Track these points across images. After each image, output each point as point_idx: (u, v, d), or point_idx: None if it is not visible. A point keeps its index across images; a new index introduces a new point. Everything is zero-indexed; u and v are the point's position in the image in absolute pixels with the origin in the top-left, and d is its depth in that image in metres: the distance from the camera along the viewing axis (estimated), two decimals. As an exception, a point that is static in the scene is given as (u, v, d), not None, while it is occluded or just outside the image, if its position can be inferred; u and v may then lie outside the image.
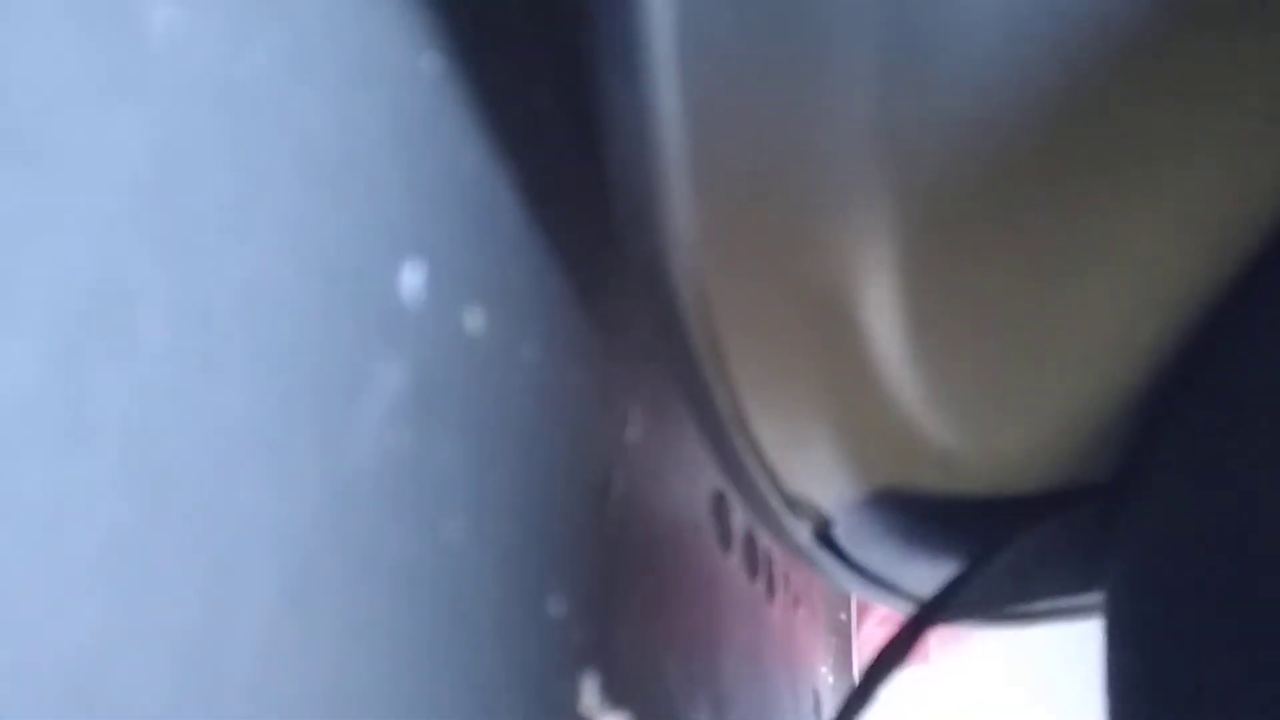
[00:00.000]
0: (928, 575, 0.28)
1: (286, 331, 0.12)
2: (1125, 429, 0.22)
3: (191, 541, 0.10)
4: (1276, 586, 0.17)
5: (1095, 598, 0.28)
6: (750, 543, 0.32)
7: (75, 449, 0.09)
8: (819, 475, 0.24)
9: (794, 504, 0.24)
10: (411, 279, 0.14)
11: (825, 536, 0.26)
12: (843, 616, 0.49)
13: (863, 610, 0.54)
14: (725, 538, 0.29)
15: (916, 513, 0.25)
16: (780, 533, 0.25)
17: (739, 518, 0.30)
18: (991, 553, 0.25)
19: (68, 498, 0.09)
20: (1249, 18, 0.14)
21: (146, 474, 0.10)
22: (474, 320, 0.16)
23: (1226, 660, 0.18)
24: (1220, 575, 0.18)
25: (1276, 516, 0.17)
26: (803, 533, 0.25)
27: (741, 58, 0.14)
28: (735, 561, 0.30)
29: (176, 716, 0.10)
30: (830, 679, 0.44)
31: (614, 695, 0.20)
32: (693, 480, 0.26)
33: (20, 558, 0.08)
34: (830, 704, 0.42)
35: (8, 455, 0.08)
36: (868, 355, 0.19)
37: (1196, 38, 0.14)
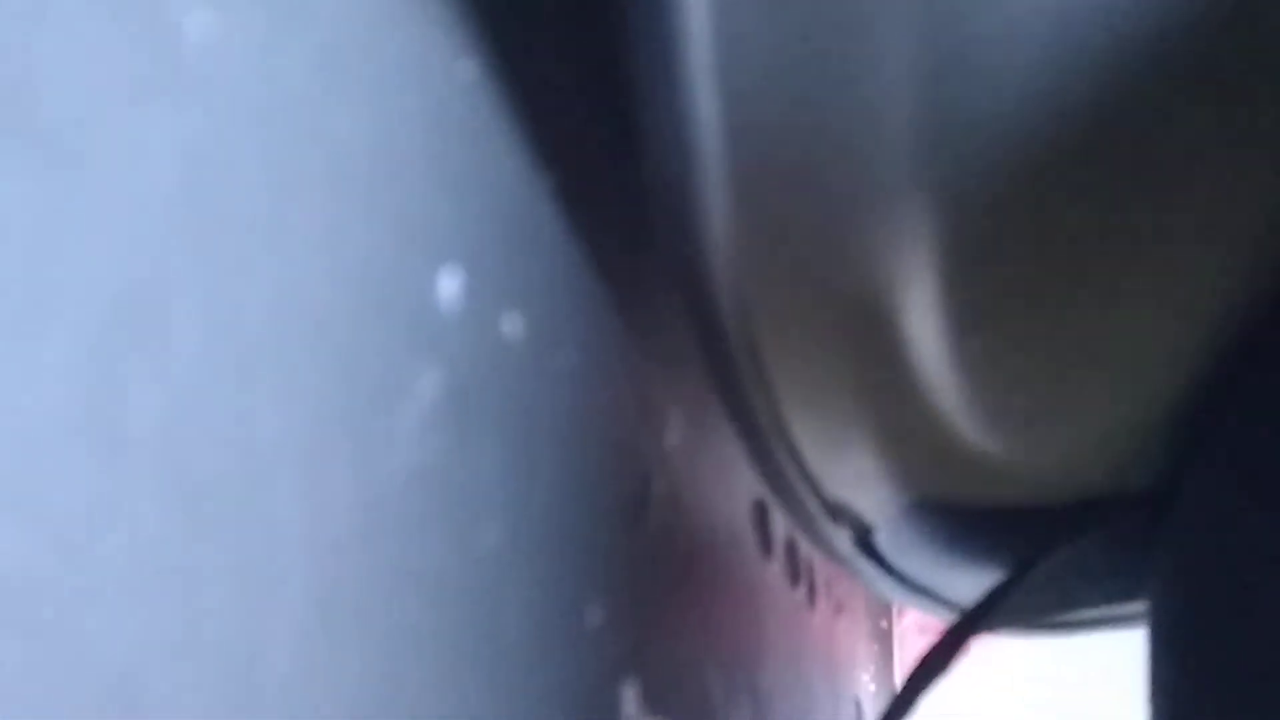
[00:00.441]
0: (970, 583, 0.28)
1: (322, 339, 0.12)
2: (1169, 437, 0.22)
3: (226, 550, 0.10)
4: None
5: (1138, 607, 0.28)
6: (791, 550, 0.32)
7: (109, 457, 0.09)
8: (860, 483, 0.24)
9: (835, 511, 0.24)
10: (448, 285, 0.14)
11: (866, 544, 0.26)
12: (884, 624, 0.49)
13: (904, 618, 0.54)
14: (766, 545, 0.29)
15: (958, 521, 0.25)
16: (821, 540, 0.25)
17: (780, 524, 0.30)
18: (1034, 562, 0.25)
19: (102, 506, 0.09)
20: None
21: (181, 482, 0.10)
22: (511, 326, 0.16)
23: (1271, 672, 0.17)
24: (1264, 586, 0.18)
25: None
26: (844, 540, 0.25)
27: (781, 64, 0.14)
28: (776, 569, 0.30)
29: (210, 727, 0.10)
30: (872, 687, 0.43)
31: (654, 704, 0.20)
32: (733, 486, 0.26)
33: (55, 566, 0.08)
34: (872, 712, 0.42)
35: (43, 463, 0.08)
36: (909, 363, 0.19)
37: (1247, 45, 0.14)
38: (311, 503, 0.11)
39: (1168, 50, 0.14)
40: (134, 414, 0.09)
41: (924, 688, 0.27)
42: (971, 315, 0.18)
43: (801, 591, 0.33)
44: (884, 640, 0.49)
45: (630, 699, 0.19)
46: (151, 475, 0.09)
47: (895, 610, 0.52)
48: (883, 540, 0.26)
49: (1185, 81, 0.14)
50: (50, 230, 0.08)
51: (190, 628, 0.10)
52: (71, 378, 0.09)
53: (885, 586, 0.29)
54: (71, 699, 0.09)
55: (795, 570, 0.32)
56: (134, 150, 0.09)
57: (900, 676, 0.50)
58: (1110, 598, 0.29)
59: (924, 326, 0.18)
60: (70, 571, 0.09)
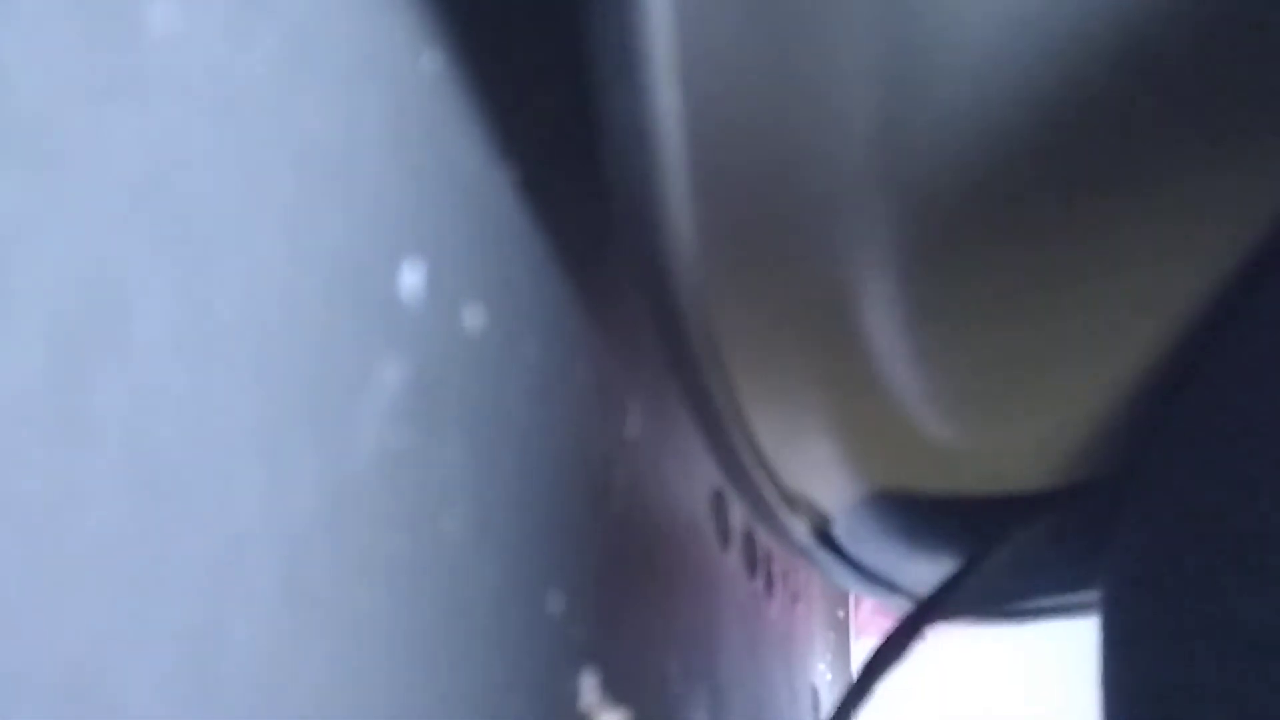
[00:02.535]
0: (926, 573, 0.28)
1: (286, 331, 0.12)
2: (1124, 427, 0.22)
3: (192, 540, 0.10)
4: (1264, 587, 0.17)
5: (1091, 596, 0.28)
6: (749, 540, 0.32)
7: (75, 447, 0.09)
8: (818, 474, 0.24)
9: (792, 502, 0.24)
10: (411, 277, 0.14)
11: (824, 534, 0.26)
12: (840, 613, 0.49)
13: (861, 607, 0.54)
14: (724, 535, 0.29)
15: (915, 511, 0.26)
16: (778, 530, 0.25)
17: (738, 515, 0.30)
18: (989, 550, 0.25)
19: (68, 496, 0.09)
20: (1252, 23, 0.15)
21: (147, 472, 0.10)
22: (474, 318, 0.16)
23: (1218, 662, 0.18)
24: (1213, 575, 0.18)
25: (1268, 517, 0.17)
26: (801, 530, 0.25)
27: (741, 60, 0.14)
28: (734, 559, 0.30)
29: (176, 712, 0.10)
30: (828, 675, 0.44)
31: (613, 692, 0.20)
32: (692, 477, 0.26)
33: (21, 556, 0.08)
34: (828, 700, 0.42)
35: (8, 453, 0.08)
36: (868, 355, 0.19)
37: (1197, 45, 0.15)
38: (277, 492, 0.11)
39: (1122, 48, 0.14)
40: (98, 404, 0.09)
41: (880, 676, 0.27)
42: (930, 309, 0.18)
43: (759, 581, 0.33)
44: (841, 629, 0.49)
45: (590, 688, 0.19)
46: (116, 465, 0.09)
47: (853, 600, 0.52)
48: (840, 530, 0.26)
49: (1139, 80, 0.15)
50: (15, 221, 0.09)
51: (155, 617, 0.10)
52: (36, 367, 0.09)
53: (842, 576, 0.29)
54: (33, 689, 0.09)
55: (753, 560, 0.32)
56: (100, 143, 0.09)
57: (857, 665, 0.50)
58: (1066, 586, 0.30)
59: (883, 319, 0.18)
60: (33, 562, 0.09)
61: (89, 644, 0.09)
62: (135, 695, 0.10)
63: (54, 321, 0.09)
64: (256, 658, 0.11)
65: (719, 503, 0.29)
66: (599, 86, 0.15)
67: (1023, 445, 0.23)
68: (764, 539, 0.33)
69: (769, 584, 0.34)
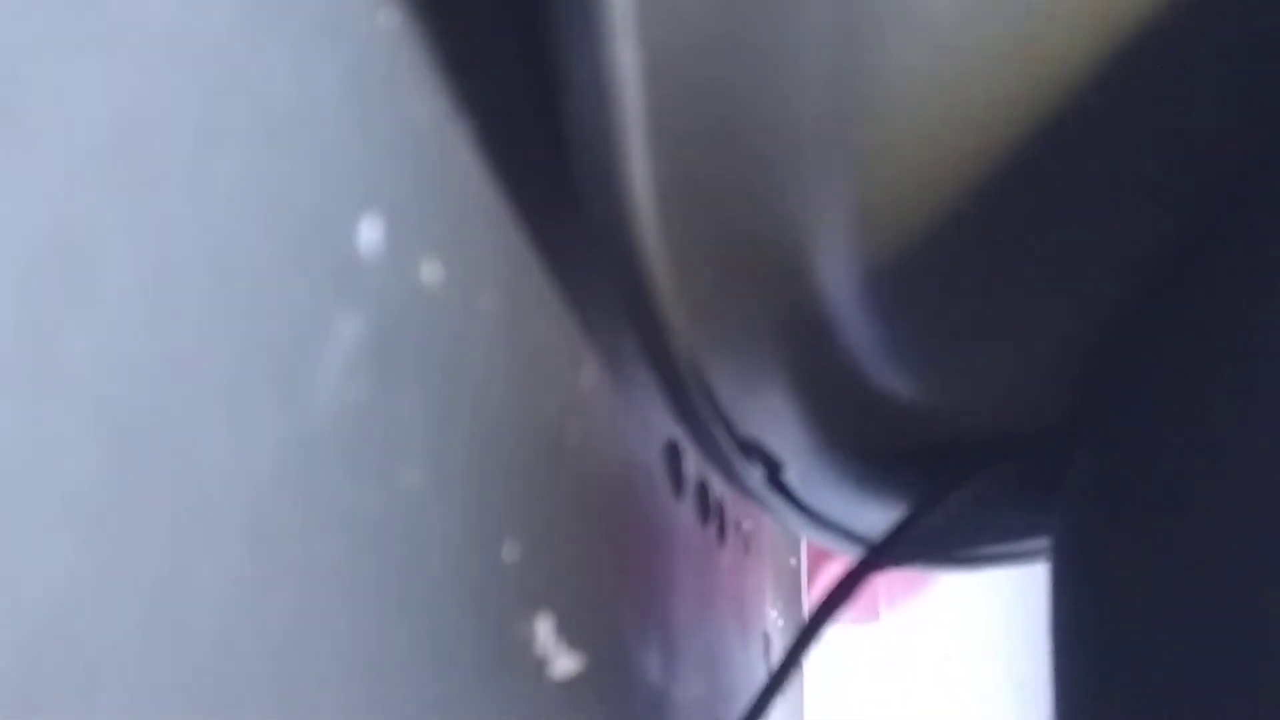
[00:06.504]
0: (878, 518, 0.28)
1: (246, 285, 0.12)
2: (1076, 376, 0.22)
3: (157, 490, 0.10)
4: (1212, 532, 0.17)
5: (1041, 543, 0.29)
6: (702, 489, 0.32)
7: (44, 400, 0.09)
8: (773, 423, 0.24)
9: (746, 448, 0.24)
10: (369, 232, 0.14)
11: (777, 480, 0.26)
12: (793, 561, 0.50)
13: (819, 557, 0.54)
14: (678, 484, 0.29)
15: (868, 457, 0.26)
16: (732, 476, 0.25)
17: (692, 464, 0.31)
18: (940, 496, 0.26)
19: (37, 447, 0.09)
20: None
21: (113, 424, 0.10)
22: (431, 272, 0.16)
23: (1168, 603, 0.18)
24: (1164, 518, 0.18)
25: (1213, 466, 0.17)
26: (755, 477, 0.26)
27: (700, 17, 0.14)
28: (687, 508, 0.30)
29: (144, 661, 0.10)
30: (780, 622, 0.44)
31: (568, 637, 0.20)
32: (647, 428, 0.27)
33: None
34: (779, 646, 0.43)
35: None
36: (824, 309, 0.19)
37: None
38: (240, 444, 0.12)
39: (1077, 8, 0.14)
40: (67, 357, 0.09)
41: (829, 619, 0.28)
42: (884, 263, 0.18)
43: (712, 530, 0.33)
44: (793, 576, 0.49)
45: (545, 631, 0.19)
46: (85, 416, 0.10)
47: (804, 547, 0.52)
48: (793, 476, 0.26)
49: (1097, 32, 0.15)
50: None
51: (123, 566, 0.10)
52: (5, 320, 0.09)
53: (795, 522, 0.29)
54: (2, 637, 0.09)
55: (706, 509, 0.32)
56: (64, 100, 0.09)
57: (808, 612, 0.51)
58: (1017, 533, 0.30)
59: (838, 274, 0.18)
60: (4, 510, 0.09)
61: (60, 590, 0.09)
62: (104, 644, 0.10)
63: (22, 275, 0.09)
64: (221, 606, 0.11)
65: (673, 453, 0.29)
66: (559, 43, 0.15)
67: (974, 396, 0.23)
68: (717, 489, 0.34)
69: (721, 533, 0.34)
